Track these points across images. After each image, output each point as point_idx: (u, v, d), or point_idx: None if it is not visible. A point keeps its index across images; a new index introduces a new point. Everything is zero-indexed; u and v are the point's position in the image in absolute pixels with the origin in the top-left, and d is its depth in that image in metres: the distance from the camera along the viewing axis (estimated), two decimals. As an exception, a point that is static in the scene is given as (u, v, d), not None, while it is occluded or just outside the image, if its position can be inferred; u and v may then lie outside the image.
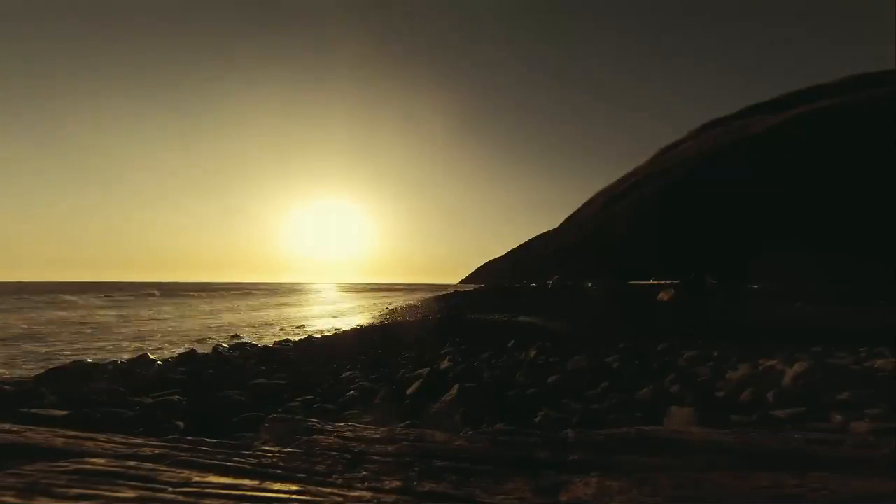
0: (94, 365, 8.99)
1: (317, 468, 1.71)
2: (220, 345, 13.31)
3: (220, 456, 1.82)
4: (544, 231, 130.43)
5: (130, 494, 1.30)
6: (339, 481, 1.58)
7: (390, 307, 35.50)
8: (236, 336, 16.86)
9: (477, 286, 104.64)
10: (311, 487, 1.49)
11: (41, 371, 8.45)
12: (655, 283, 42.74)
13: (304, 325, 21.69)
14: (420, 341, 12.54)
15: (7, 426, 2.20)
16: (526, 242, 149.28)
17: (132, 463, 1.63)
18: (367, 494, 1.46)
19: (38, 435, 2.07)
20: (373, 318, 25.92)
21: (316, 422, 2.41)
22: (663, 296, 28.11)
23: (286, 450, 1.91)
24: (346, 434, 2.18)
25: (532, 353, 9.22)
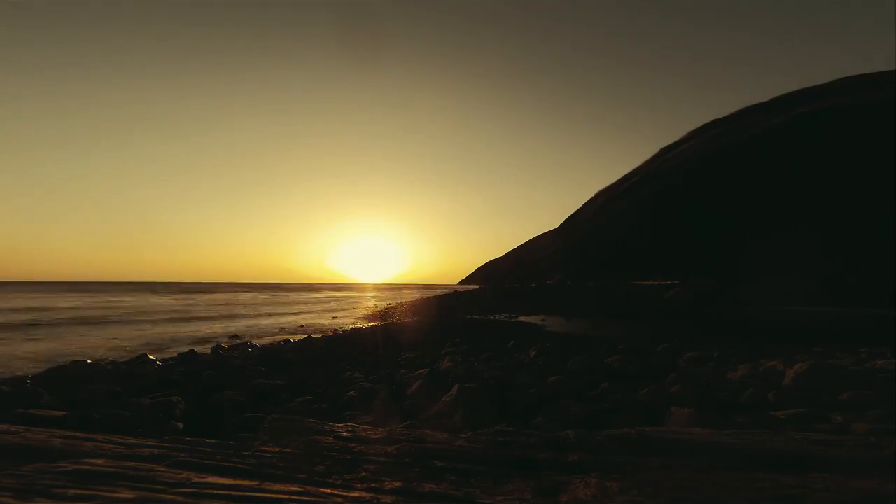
0: (93, 365, 8.97)
1: (316, 468, 1.70)
2: (220, 345, 13.29)
3: (219, 456, 1.81)
4: (544, 231, 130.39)
5: (129, 495, 1.29)
6: (339, 482, 1.58)
7: (391, 307, 35.47)
8: (236, 336, 16.83)
9: (477, 286, 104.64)
10: (310, 488, 1.49)
11: (40, 370, 8.44)
12: (656, 283, 42.79)
13: (303, 326, 21.69)
14: (420, 341, 12.54)
15: (5, 427, 2.20)
16: (526, 242, 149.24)
17: (131, 463, 1.62)
18: (367, 495, 1.45)
19: (36, 435, 2.06)
20: (373, 318, 25.91)
21: (316, 422, 2.40)
22: (667, 296, 28.16)
23: (286, 450, 1.91)
24: (346, 434, 2.18)
25: (532, 353, 9.22)
